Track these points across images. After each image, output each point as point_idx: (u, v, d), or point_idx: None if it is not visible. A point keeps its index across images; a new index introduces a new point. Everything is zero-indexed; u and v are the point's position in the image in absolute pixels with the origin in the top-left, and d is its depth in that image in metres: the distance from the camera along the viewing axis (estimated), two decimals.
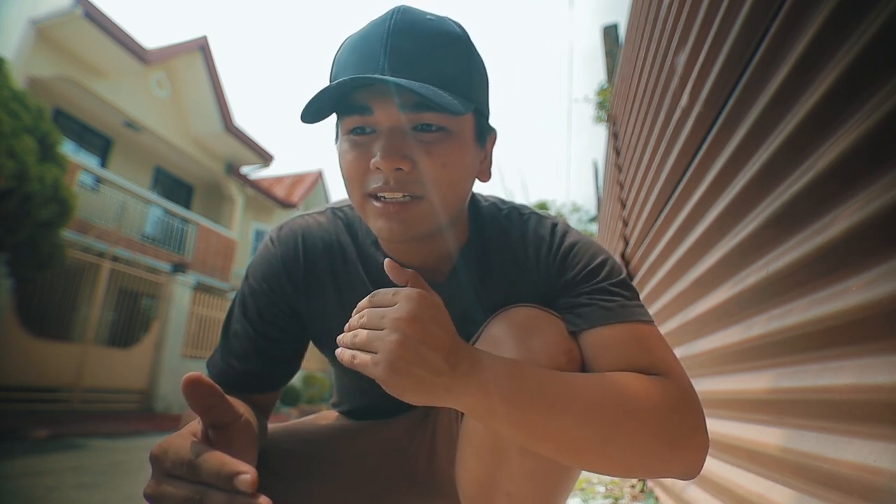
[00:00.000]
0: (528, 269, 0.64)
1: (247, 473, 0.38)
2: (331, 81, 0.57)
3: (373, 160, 0.52)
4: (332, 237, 0.67)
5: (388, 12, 0.54)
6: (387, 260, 0.49)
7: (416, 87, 0.48)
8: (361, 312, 0.46)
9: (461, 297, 0.64)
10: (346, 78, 0.49)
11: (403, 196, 0.53)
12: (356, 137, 0.54)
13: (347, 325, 0.47)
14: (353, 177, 0.55)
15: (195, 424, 0.45)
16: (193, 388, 0.40)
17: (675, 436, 0.48)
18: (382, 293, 0.46)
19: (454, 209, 0.58)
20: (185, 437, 0.42)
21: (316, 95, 0.50)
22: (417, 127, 0.53)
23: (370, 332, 0.43)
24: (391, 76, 0.49)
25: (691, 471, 0.50)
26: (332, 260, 0.67)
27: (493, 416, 0.45)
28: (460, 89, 0.54)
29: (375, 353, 0.42)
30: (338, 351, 0.46)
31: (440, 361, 0.43)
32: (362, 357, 0.43)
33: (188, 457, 0.40)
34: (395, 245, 0.63)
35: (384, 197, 0.53)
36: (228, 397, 0.45)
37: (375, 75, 0.49)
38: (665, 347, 0.55)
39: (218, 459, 0.39)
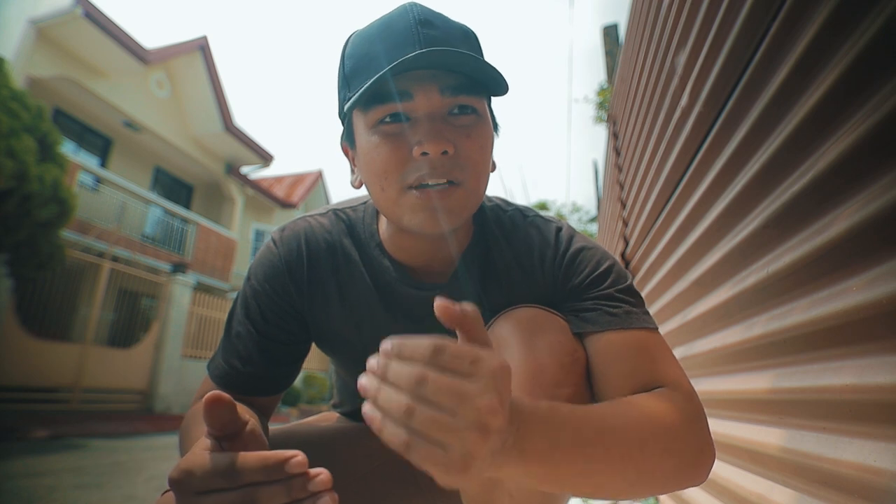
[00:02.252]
0: (531, 272, 0.64)
1: (296, 455, 0.36)
2: (348, 75, 0.56)
3: (416, 146, 0.51)
4: (334, 239, 0.67)
5: (403, 7, 0.54)
6: (438, 302, 0.35)
7: (478, 60, 0.48)
8: (419, 374, 0.31)
9: (464, 297, 0.64)
10: (422, 50, 0.47)
11: (447, 182, 0.52)
12: (388, 127, 0.53)
13: (387, 374, 0.32)
14: (392, 169, 0.53)
15: (204, 441, 0.41)
16: (215, 409, 0.37)
17: (692, 454, 0.49)
18: (455, 354, 0.31)
19: (482, 196, 0.58)
20: (203, 454, 0.38)
21: (373, 82, 0.49)
22: (453, 111, 0.53)
23: (437, 415, 0.30)
24: (449, 62, 0.50)
25: (703, 480, 0.51)
26: (335, 261, 0.66)
27: (527, 478, 0.39)
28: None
29: (444, 445, 0.30)
30: (371, 416, 0.32)
31: (499, 443, 0.34)
32: (424, 450, 0.30)
33: (222, 465, 0.36)
34: (401, 245, 0.63)
35: (426, 185, 0.52)
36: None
37: (442, 47, 0.49)
38: (670, 356, 0.55)
39: (257, 455, 0.37)
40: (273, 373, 0.65)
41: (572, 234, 0.65)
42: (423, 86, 0.51)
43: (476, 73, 0.51)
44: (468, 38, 0.56)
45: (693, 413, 0.51)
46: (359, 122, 0.56)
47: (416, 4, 0.55)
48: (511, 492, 0.54)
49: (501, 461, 0.35)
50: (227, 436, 0.40)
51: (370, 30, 0.55)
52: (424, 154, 0.51)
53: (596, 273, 0.59)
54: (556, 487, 0.42)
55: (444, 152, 0.51)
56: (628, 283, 0.60)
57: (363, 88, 0.50)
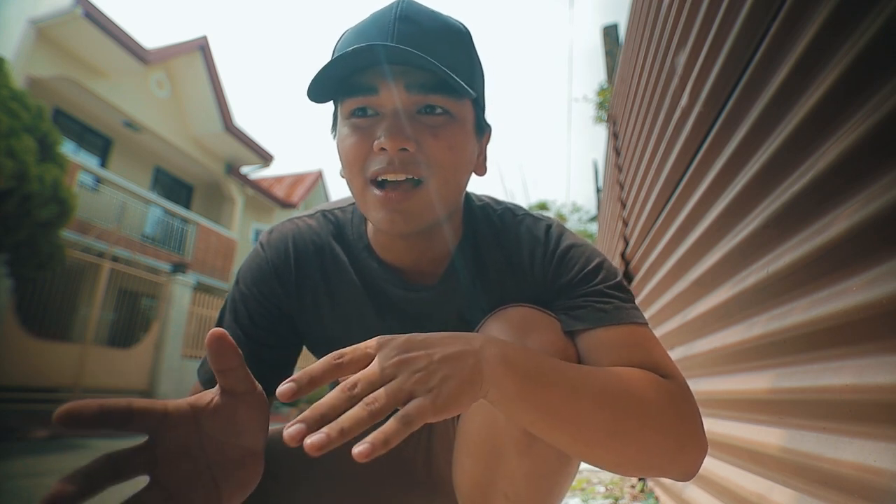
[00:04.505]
0: (522, 271, 0.63)
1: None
2: None
3: (376, 141, 0.51)
4: (323, 240, 0.67)
5: (392, 4, 0.55)
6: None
7: (428, 63, 0.48)
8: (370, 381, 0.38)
9: (454, 298, 0.64)
10: (361, 45, 0.48)
11: (406, 179, 0.52)
12: (358, 120, 0.54)
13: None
14: (354, 160, 0.54)
15: (199, 389, 0.46)
16: (218, 345, 0.40)
17: (681, 435, 0.49)
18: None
19: (453, 198, 0.58)
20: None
21: (325, 67, 0.49)
22: (422, 110, 0.53)
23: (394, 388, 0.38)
24: (399, 59, 0.49)
25: (691, 471, 0.50)
26: (324, 263, 0.66)
27: (517, 396, 0.42)
28: (464, 77, 0.54)
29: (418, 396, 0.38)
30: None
31: (453, 347, 0.41)
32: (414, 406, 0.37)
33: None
34: (387, 245, 0.63)
35: (386, 181, 0.52)
36: None
37: (391, 44, 0.49)
38: (661, 350, 0.55)
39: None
40: (264, 376, 0.64)
41: (562, 231, 0.64)
42: (389, 82, 0.51)
43: (442, 74, 0.50)
44: (452, 37, 0.55)
45: (685, 400, 0.51)
46: (338, 112, 0.57)
47: (404, 2, 0.54)
48: (507, 492, 0.54)
49: (484, 360, 0.41)
50: (231, 390, 0.43)
51: (357, 26, 0.56)
52: (383, 149, 0.51)
53: (585, 270, 0.59)
54: (544, 416, 0.44)
55: (404, 150, 0.51)
56: (618, 279, 0.60)
57: (317, 73, 0.50)
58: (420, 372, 0.39)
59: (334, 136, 0.60)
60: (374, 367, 0.39)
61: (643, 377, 0.50)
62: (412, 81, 0.51)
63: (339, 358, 0.40)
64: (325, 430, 0.34)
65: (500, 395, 0.42)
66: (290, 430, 0.34)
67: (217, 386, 0.44)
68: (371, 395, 0.37)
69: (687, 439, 0.49)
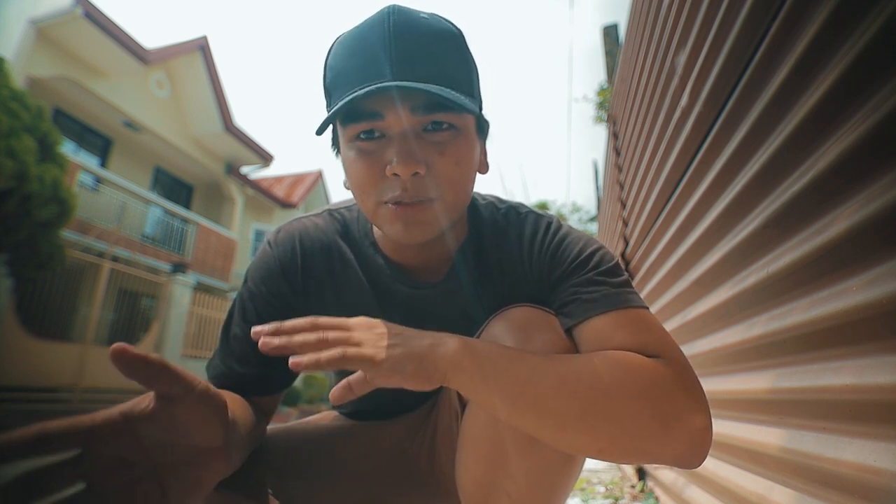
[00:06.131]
0: (522, 268, 0.64)
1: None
2: (327, 87, 0.56)
3: (388, 167, 0.51)
4: (329, 239, 0.67)
5: (381, 13, 0.53)
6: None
7: (434, 90, 0.48)
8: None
9: (459, 295, 0.64)
10: (371, 87, 0.48)
11: (419, 200, 0.53)
12: (363, 144, 0.54)
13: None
14: (367, 185, 0.54)
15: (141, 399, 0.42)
16: (119, 360, 0.36)
17: (668, 414, 0.46)
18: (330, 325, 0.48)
19: (463, 206, 0.58)
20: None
21: (337, 109, 0.50)
22: (427, 127, 0.53)
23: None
24: (400, 80, 0.50)
25: (692, 456, 0.47)
26: (330, 261, 0.67)
27: (478, 376, 0.46)
28: (465, 87, 0.54)
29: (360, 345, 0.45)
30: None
31: (415, 332, 0.48)
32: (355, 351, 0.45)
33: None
34: (394, 244, 0.63)
35: (400, 201, 0.53)
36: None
37: (400, 83, 0.49)
38: (657, 328, 0.54)
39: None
40: (271, 374, 0.65)
41: (560, 225, 0.64)
42: (394, 106, 0.51)
43: (449, 97, 0.50)
44: (447, 44, 0.55)
45: (677, 377, 0.48)
46: (340, 133, 0.57)
47: (395, 10, 0.53)
48: (509, 491, 0.54)
49: (446, 340, 0.47)
50: (167, 395, 0.40)
51: (349, 39, 0.55)
52: (396, 175, 0.51)
53: (578, 260, 0.59)
54: (506, 400, 0.46)
55: (416, 173, 0.51)
56: (609, 264, 0.58)
57: (328, 115, 0.51)
58: (377, 337, 0.46)
59: (336, 154, 0.60)
60: (345, 321, 0.48)
61: (621, 356, 0.48)
62: (417, 104, 0.52)
63: (317, 318, 0.48)
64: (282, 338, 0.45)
65: (459, 376, 0.45)
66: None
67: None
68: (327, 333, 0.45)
69: (676, 418, 0.46)
